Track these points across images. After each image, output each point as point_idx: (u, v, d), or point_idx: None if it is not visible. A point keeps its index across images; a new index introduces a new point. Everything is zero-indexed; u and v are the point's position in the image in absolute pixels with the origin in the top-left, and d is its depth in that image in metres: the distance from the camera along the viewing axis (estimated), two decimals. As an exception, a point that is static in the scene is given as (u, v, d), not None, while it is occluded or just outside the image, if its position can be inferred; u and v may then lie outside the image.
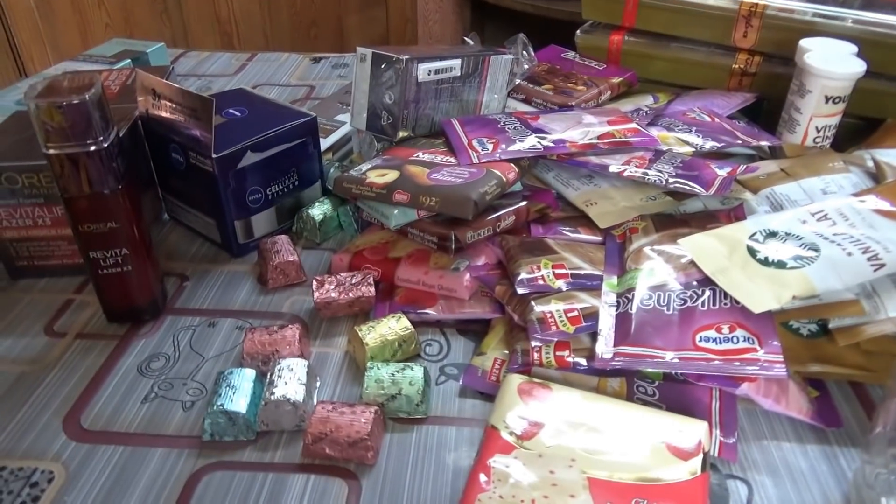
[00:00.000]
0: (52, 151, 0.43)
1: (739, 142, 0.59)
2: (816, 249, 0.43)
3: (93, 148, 0.43)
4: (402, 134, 0.59)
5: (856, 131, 0.65)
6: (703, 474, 0.36)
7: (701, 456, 0.37)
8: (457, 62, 0.61)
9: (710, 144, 0.58)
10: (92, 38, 2.48)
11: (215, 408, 0.41)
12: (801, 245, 0.43)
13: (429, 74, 0.59)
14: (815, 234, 0.44)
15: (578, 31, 0.77)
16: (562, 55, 0.77)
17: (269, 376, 0.43)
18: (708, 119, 0.63)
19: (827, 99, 0.58)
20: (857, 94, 0.60)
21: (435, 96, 0.60)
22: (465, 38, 0.72)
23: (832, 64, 0.57)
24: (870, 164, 0.55)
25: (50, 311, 0.52)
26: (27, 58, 2.60)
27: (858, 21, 0.63)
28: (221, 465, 0.40)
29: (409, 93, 0.58)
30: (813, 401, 0.42)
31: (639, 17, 0.73)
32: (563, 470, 0.37)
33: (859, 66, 0.57)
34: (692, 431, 0.38)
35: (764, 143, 0.61)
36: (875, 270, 0.41)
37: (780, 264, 0.42)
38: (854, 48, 0.60)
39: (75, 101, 0.41)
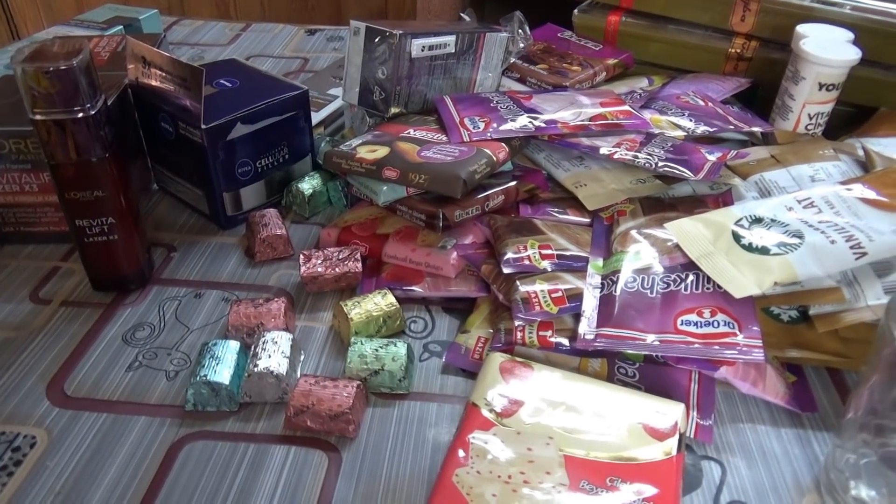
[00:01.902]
0: (38, 117, 0.42)
1: (731, 127, 0.59)
2: (800, 236, 0.43)
3: (80, 115, 0.43)
4: (394, 110, 0.59)
5: (848, 119, 0.65)
6: (678, 455, 0.37)
7: (676, 437, 0.37)
8: (451, 38, 0.60)
9: (701, 129, 0.58)
10: (87, 2, 2.44)
11: (198, 378, 0.41)
12: (785, 232, 0.44)
13: (423, 50, 0.58)
14: (801, 222, 0.44)
15: (576, 11, 0.76)
16: (558, 34, 0.76)
17: (253, 348, 0.43)
18: (701, 103, 0.63)
19: (821, 86, 0.58)
20: (850, 82, 0.60)
21: (428, 72, 0.60)
22: (462, 14, 0.71)
23: (827, 51, 0.57)
24: (860, 152, 0.56)
25: (36, 278, 0.52)
26: (20, 21, 2.57)
27: (856, 8, 0.63)
28: (203, 434, 0.40)
29: (403, 68, 0.57)
30: (790, 385, 0.43)
31: (637, -2, 0.72)
32: (540, 447, 0.37)
33: (854, 54, 0.57)
34: (669, 413, 0.39)
35: (756, 129, 0.61)
36: (857, 259, 0.41)
37: (764, 250, 0.43)
38: (850, 35, 0.60)
39: (62, 67, 0.41)
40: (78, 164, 0.44)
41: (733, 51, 0.69)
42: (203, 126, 0.51)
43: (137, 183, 0.60)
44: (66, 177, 0.45)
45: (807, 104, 0.59)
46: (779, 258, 0.42)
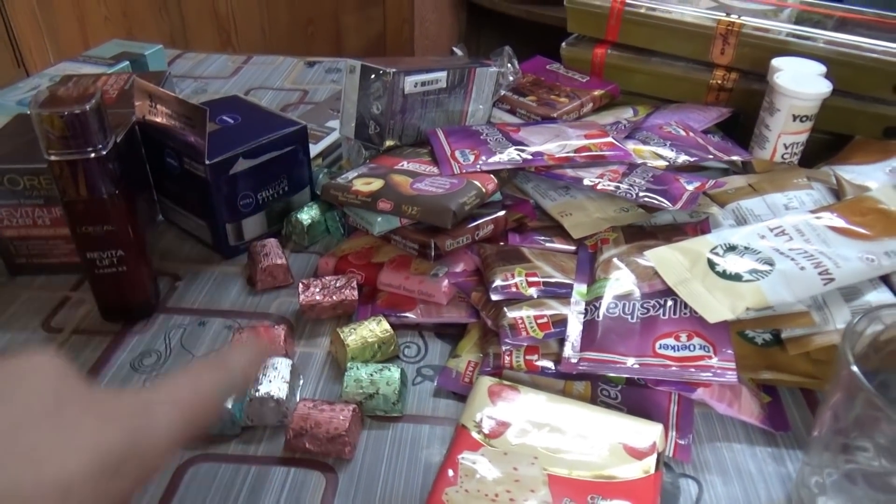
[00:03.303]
0: (53, 158, 0.45)
1: (711, 156, 0.62)
2: (771, 264, 0.45)
3: (91, 155, 0.46)
4: (388, 143, 0.62)
5: (826, 146, 0.68)
6: (657, 473, 0.39)
7: (655, 456, 0.40)
8: (442, 74, 0.63)
9: (682, 158, 0.61)
10: (91, 31, 2.49)
11: (203, 403, 0.43)
12: (757, 259, 0.46)
13: (415, 86, 0.61)
14: (772, 249, 0.47)
15: (564, 44, 0.80)
16: (547, 66, 0.80)
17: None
18: (683, 133, 0.66)
19: (794, 117, 0.61)
20: (825, 111, 0.62)
21: (421, 106, 0.63)
22: (454, 49, 0.74)
23: (799, 84, 0.60)
24: (834, 180, 0.58)
25: (47, 308, 0.54)
26: (26, 49, 2.62)
27: (829, 41, 0.66)
28: (207, 457, 0.42)
29: (396, 104, 0.60)
30: (765, 406, 0.45)
31: (621, 32, 0.75)
32: (525, 467, 0.39)
33: (825, 87, 0.60)
34: (647, 433, 0.41)
35: (735, 158, 0.64)
36: (825, 284, 0.44)
37: (737, 277, 0.45)
38: (822, 68, 0.63)
39: (76, 112, 0.44)
40: (89, 200, 0.47)
41: (714, 82, 0.72)
42: (207, 162, 0.54)
43: (144, 215, 0.63)
44: (78, 212, 0.48)
45: (782, 134, 0.62)
46: (751, 284, 0.44)
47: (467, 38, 2.15)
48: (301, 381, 0.48)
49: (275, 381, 0.44)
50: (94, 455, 0.22)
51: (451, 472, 0.39)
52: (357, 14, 2.34)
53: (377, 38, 2.37)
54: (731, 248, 0.47)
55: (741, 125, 0.73)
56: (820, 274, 0.44)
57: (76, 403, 0.23)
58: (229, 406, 0.43)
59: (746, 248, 0.47)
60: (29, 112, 0.61)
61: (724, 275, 0.46)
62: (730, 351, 0.43)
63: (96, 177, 0.46)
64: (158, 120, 0.57)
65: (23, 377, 0.23)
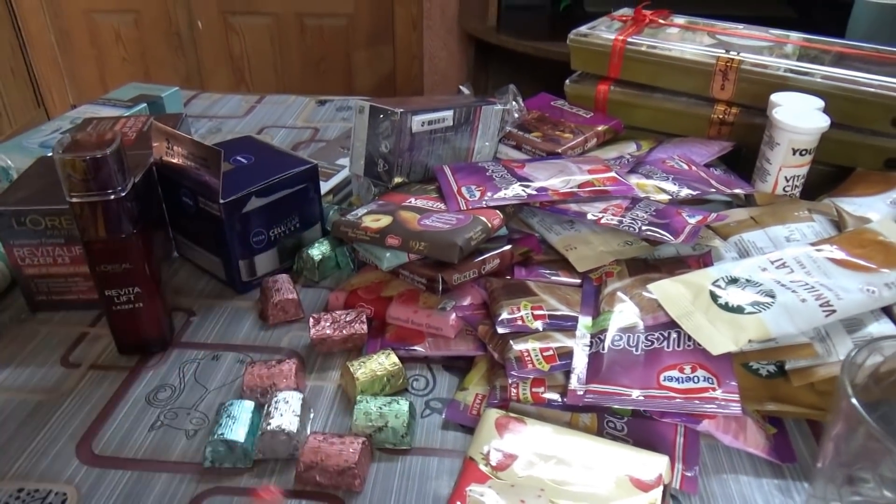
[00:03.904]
0: (74, 200, 0.47)
1: (713, 190, 0.63)
2: (773, 296, 0.46)
3: (111, 197, 0.48)
4: (397, 180, 0.64)
5: (828, 177, 0.69)
6: (662, 505, 0.39)
7: (661, 488, 0.40)
8: (449, 113, 0.65)
9: (685, 192, 0.62)
10: (109, 72, 2.57)
11: (216, 437, 0.44)
12: (759, 291, 0.47)
13: (423, 125, 0.63)
14: (773, 282, 0.48)
15: (567, 81, 0.82)
16: (551, 103, 0.82)
17: (266, 408, 0.46)
18: (685, 167, 0.67)
19: (794, 151, 0.62)
20: (826, 144, 0.64)
21: (429, 144, 0.65)
22: (461, 87, 0.77)
23: (798, 119, 0.61)
24: (835, 212, 0.59)
25: (66, 343, 0.56)
26: (46, 90, 2.69)
27: (826, 77, 0.67)
28: (220, 490, 0.43)
29: (404, 142, 0.62)
30: (770, 437, 0.46)
31: (624, 69, 0.77)
32: (532, 499, 0.40)
33: (823, 122, 0.61)
34: (654, 465, 0.41)
35: (738, 191, 0.65)
36: (827, 316, 0.44)
37: (739, 309, 0.46)
38: (821, 103, 0.64)
39: (97, 156, 0.46)
40: (108, 240, 0.49)
41: (715, 116, 0.74)
42: (221, 201, 0.56)
43: (160, 251, 0.65)
44: (98, 252, 0.49)
45: (783, 167, 0.63)
46: (753, 317, 0.45)
47: (476, 74, 2.19)
48: (312, 415, 0.49)
49: (286, 415, 0.45)
50: None
51: (458, 505, 0.39)
52: (367, 52, 2.39)
53: (387, 75, 2.43)
54: (733, 281, 0.48)
55: (743, 158, 0.74)
56: (821, 306, 0.45)
57: None
58: (241, 440, 0.44)
59: (748, 280, 0.48)
60: (51, 155, 0.63)
61: (726, 307, 0.46)
62: (733, 383, 0.43)
63: (115, 217, 0.48)
64: (175, 161, 0.59)
65: None
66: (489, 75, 2.19)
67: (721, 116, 0.73)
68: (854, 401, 0.33)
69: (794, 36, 0.80)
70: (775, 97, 0.65)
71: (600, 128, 0.75)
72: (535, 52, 1.73)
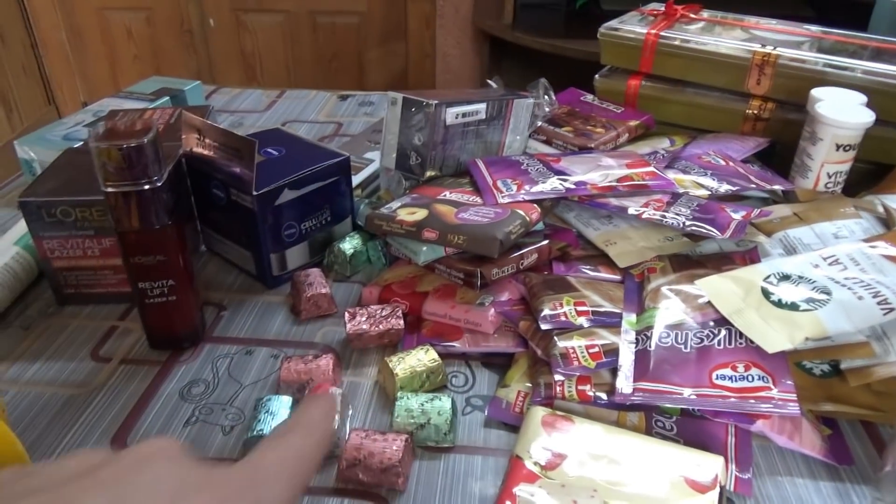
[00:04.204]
0: (109, 190, 0.46)
1: (753, 186, 0.62)
2: (828, 293, 0.45)
3: (147, 187, 0.46)
4: (429, 173, 0.62)
5: (867, 175, 0.68)
6: (720, 507, 0.38)
7: (717, 490, 0.39)
8: (482, 106, 0.64)
9: (724, 188, 0.61)
10: (120, 69, 2.56)
11: (254, 433, 0.43)
12: (813, 288, 0.46)
13: (456, 118, 0.62)
14: (827, 278, 0.46)
15: (597, 76, 0.80)
16: (581, 98, 0.80)
17: (304, 404, 0.45)
18: (722, 163, 0.66)
19: (838, 147, 0.61)
20: (867, 141, 0.62)
21: (461, 137, 0.64)
22: (489, 81, 0.75)
23: (842, 114, 0.60)
24: (880, 209, 0.58)
25: (95, 337, 0.55)
26: (57, 87, 2.69)
27: (867, 72, 0.66)
28: (260, 487, 0.42)
29: (438, 135, 0.61)
30: (825, 438, 0.44)
31: (655, 64, 0.76)
32: (585, 500, 0.38)
33: (868, 116, 0.60)
34: (709, 466, 0.40)
35: (777, 187, 0.63)
36: (885, 314, 0.43)
37: (793, 306, 0.45)
38: (863, 98, 0.63)
39: (134, 145, 0.45)
40: (143, 231, 0.48)
41: (750, 112, 0.72)
42: (255, 192, 0.55)
43: (189, 245, 0.64)
44: (132, 243, 0.48)
45: (825, 163, 0.62)
46: (808, 314, 0.44)
47: (489, 72, 2.18)
48: (350, 411, 0.48)
49: (326, 411, 0.44)
50: None
51: (509, 505, 0.38)
52: (380, 49, 2.38)
53: (400, 73, 2.42)
54: (785, 277, 0.47)
55: (778, 155, 0.72)
56: (879, 303, 0.43)
57: (196, 488, 0.23)
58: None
59: (801, 277, 0.47)
60: (78, 147, 0.62)
61: (779, 304, 0.45)
62: (790, 382, 0.42)
63: (150, 208, 0.47)
64: (206, 152, 0.58)
65: (145, 463, 0.23)
66: (502, 73, 2.18)
67: (756, 112, 0.72)
68: (932, 400, 0.32)
69: (830, 31, 0.79)
70: (816, 92, 0.64)
71: (632, 123, 0.74)
72: (552, 49, 1.72)
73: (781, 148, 0.72)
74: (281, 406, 0.45)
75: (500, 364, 0.52)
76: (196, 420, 0.47)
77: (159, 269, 0.49)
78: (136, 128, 0.47)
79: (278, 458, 0.26)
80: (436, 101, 0.60)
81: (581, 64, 0.80)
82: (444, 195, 0.59)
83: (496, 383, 0.50)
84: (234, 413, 0.47)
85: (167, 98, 0.86)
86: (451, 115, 0.61)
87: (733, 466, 0.42)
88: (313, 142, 0.65)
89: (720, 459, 0.40)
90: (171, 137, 0.65)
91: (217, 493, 0.23)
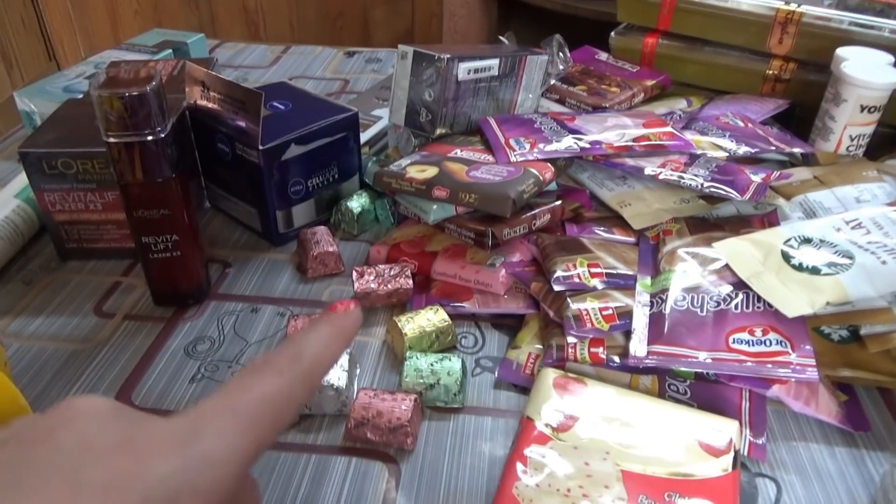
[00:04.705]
0: (111, 140, 0.45)
1: (773, 148, 0.60)
2: (850, 257, 0.44)
3: (150, 138, 0.45)
4: (440, 131, 0.61)
5: (889, 140, 0.66)
6: (734, 471, 0.37)
7: (732, 454, 0.38)
8: (495, 62, 0.62)
9: (743, 150, 0.59)
10: (121, 24, 2.51)
11: (261, 390, 0.42)
12: (835, 252, 0.44)
13: (468, 73, 0.60)
14: (849, 242, 0.45)
15: (613, 33, 0.78)
16: (595, 56, 0.78)
17: (312, 362, 0.44)
18: (741, 124, 0.64)
19: (862, 108, 0.59)
20: (892, 104, 0.60)
21: (473, 94, 0.62)
22: (501, 38, 0.73)
23: (869, 74, 0.58)
24: (903, 173, 0.56)
25: (98, 293, 0.54)
26: (57, 42, 2.64)
27: (895, 31, 0.63)
28: (267, 445, 0.41)
29: (449, 91, 0.59)
30: (842, 404, 0.43)
31: (674, 21, 0.73)
32: (597, 462, 0.38)
33: (896, 77, 0.58)
34: (724, 430, 0.39)
35: (797, 150, 0.62)
36: (908, 279, 0.42)
37: (815, 270, 0.43)
38: (890, 58, 0.61)
39: (136, 93, 0.43)
40: (146, 184, 0.46)
41: (771, 72, 0.70)
42: (261, 147, 0.53)
43: (193, 201, 0.62)
44: (135, 196, 0.47)
45: (848, 126, 0.60)
46: (830, 278, 0.43)
47: (497, 33, 2.13)
48: (358, 370, 0.47)
49: (334, 370, 0.43)
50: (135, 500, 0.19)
51: (520, 466, 0.38)
52: (385, 8, 2.33)
53: (405, 33, 2.37)
54: (807, 241, 0.46)
55: (797, 118, 0.70)
56: (902, 268, 0.42)
57: (111, 449, 0.20)
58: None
59: (822, 240, 0.45)
60: (80, 98, 0.61)
61: (800, 268, 0.44)
62: (809, 347, 0.41)
63: (154, 160, 0.46)
64: (210, 105, 0.56)
65: (59, 427, 0.21)
66: (510, 34, 2.13)
67: (776, 73, 0.70)
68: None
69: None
70: (842, 51, 0.61)
71: (648, 82, 0.71)
72: (563, 8, 1.68)
73: (801, 110, 0.70)
74: (288, 364, 0.44)
75: (510, 325, 0.51)
76: (202, 377, 0.46)
77: (163, 224, 0.48)
78: (139, 76, 0.45)
79: (232, 405, 0.22)
80: (448, 56, 0.58)
81: (593, 24, 0.78)
82: (455, 153, 0.58)
83: (506, 345, 0.49)
84: (240, 370, 0.47)
85: (170, 51, 0.83)
86: (464, 70, 0.59)
87: (747, 431, 0.41)
88: (321, 96, 0.63)
89: (735, 424, 0.40)
90: (174, 90, 0.63)
91: (137, 451, 0.20)
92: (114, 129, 0.44)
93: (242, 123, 0.54)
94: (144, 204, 0.47)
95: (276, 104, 0.60)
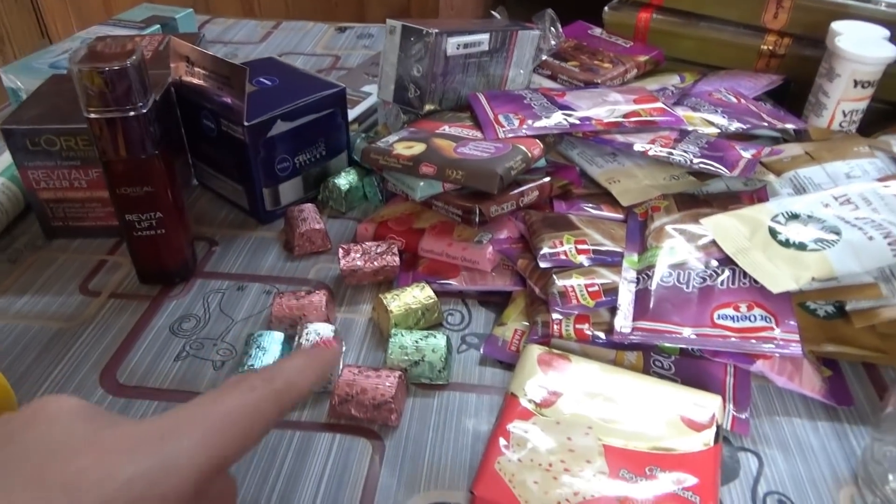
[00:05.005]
0: (92, 116, 0.44)
1: (765, 124, 0.59)
2: (838, 233, 0.43)
3: (132, 113, 0.44)
4: (428, 107, 0.60)
5: (883, 115, 0.65)
6: (716, 446, 0.37)
7: (714, 428, 0.38)
8: (485, 37, 0.61)
9: (735, 126, 0.59)
10: (115, 1, 2.48)
11: (245, 368, 0.42)
12: (822, 228, 0.44)
13: (458, 48, 0.59)
14: (837, 218, 0.45)
15: (606, 8, 0.77)
16: (588, 31, 0.77)
17: (296, 339, 0.44)
18: (734, 100, 0.63)
19: (856, 83, 0.58)
20: (886, 79, 0.60)
21: (462, 70, 0.61)
22: (493, 12, 0.72)
23: (863, 48, 0.57)
24: (895, 149, 0.55)
25: (84, 271, 0.54)
26: (49, 19, 2.61)
27: (891, 4, 0.62)
28: (252, 421, 0.41)
29: (438, 66, 0.58)
30: (825, 380, 0.43)
31: (668, -5, 0.72)
32: (579, 437, 0.38)
33: (891, 52, 0.57)
34: (706, 405, 0.39)
35: (789, 126, 0.61)
36: (895, 255, 0.42)
37: (801, 246, 0.43)
38: (886, 32, 0.60)
39: (117, 68, 0.42)
40: (129, 160, 0.46)
41: (765, 47, 0.69)
42: (246, 123, 0.53)
43: (179, 179, 0.62)
44: (118, 173, 0.46)
45: (842, 101, 0.59)
46: (816, 254, 0.42)
47: (493, 8, 2.10)
48: (343, 348, 0.47)
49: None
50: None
51: (502, 441, 0.38)
52: (381, -16, 2.29)
53: (401, 9, 2.33)
54: (794, 217, 0.45)
55: (792, 94, 0.70)
56: (890, 244, 0.42)
57: (75, 450, 0.21)
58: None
59: (810, 216, 0.45)
60: (65, 72, 0.60)
61: (786, 244, 0.44)
62: (793, 322, 0.41)
63: (136, 136, 0.45)
64: (195, 81, 0.56)
65: (25, 428, 0.21)
66: (507, 10, 2.11)
67: (771, 48, 0.69)
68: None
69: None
70: (836, 25, 0.60)
71: (641, 58, 0.71)
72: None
73: (795, 86, 0.69)
74: (272, 342, 0.44)
75: (497, 303, 0.51)
76: (187, 355, 0.46)
77: (146, 201, 0.48)
78: (119, 51, 0.44)
79: (201, 414, 0.23)
80: (436, 31, 0.57)
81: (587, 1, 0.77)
82: (444, 129, 0.57)
83: (492, 322, 0.49)
84: (225, 348, 0.47)
85: (158, 26, 0.82)
86: (453, 45, 0.58)
87: (731, 406, 0.41)
88: (308, 72, 0.62)
89: (718, 399, 0.40)
90: (159, 65, 0.62)
91: (103, 452, 0.21)
92: (94, 104, 0.44)
93: (228, 99, 0.54)
94: (127, 181, 0.47)
95: (262, 80, 0.59)
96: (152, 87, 0.46)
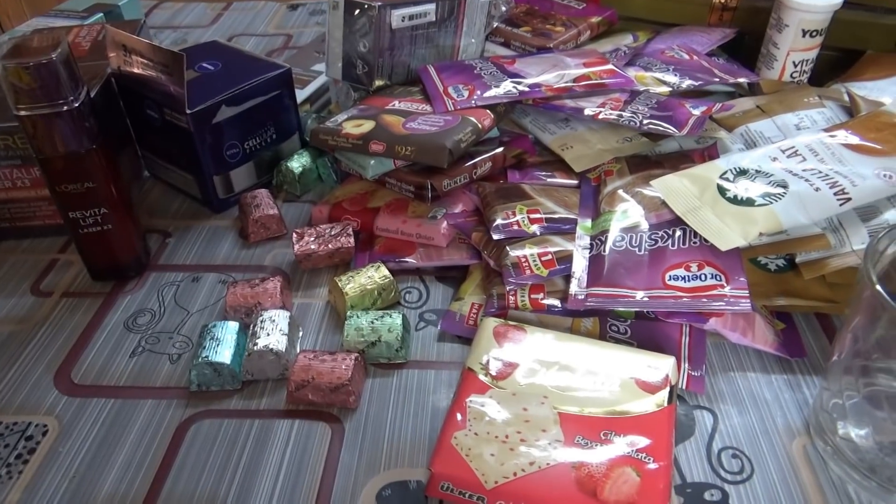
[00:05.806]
0: (23, 113, 0.43)
1: (717, 79, 0.59)
2: (785, 186, 0.43)
3: (64, 108, 0.43)
4: (378, 83, 0.59)
5: (835, 63, 0.65)
6: (670, 406, 0.38)
7: (668, 389, 0.38)
8: (431, 7, 0.60)
9: (686, 83, 0.58)
10: (67, -10, 2.41)
11: (200, 360, 0.42)
12: (769, 182, 0.44)
13: (403, 21, 0.58)
14: (785, 171, 0.45)
15: (557, -30, 0.75)
16: (541, -5, 0.76)
17: (252, 328, 0.44)
18: (686, 57, 0.63)
19: (804, 33, 0.58)
20: (835, 26, 0.59)
21: (410, 42, 0.60)
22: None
23: (809, -3, 0.56)
24: (846, 97, 0.55)
25: (35, 272, 0.53)
26: (3, 12, 2.53)
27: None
28: (209, 413, 0.41)
29: (384, 40, 0.57)
30: (779, 333, 0.44)
31: (618, -47, 0.71)
32: (535, 407, 0.38)
33: (837, -1, 0.56)
34: (659, 367, 0.39)
35: (742, 80, 0.61)
36: (841, 205, 0.42)
37: (749, 202, 0.43)
38: (833, -21, 0.59)
39: (42, 61, 0.41)
40: (66, 156, 0.45)
41: (717, 1, 0.68)
42: (188, 111, 0.51)
43: (128, 171, 0.61)
44: (56, 170, 0.45)
45: (791, 52, 0.59)
46: (763, 209, 0.42)
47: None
48: (301, 333, 0.47)
49: (273, 334, 0.43)
50: None
51: (459, 416, 0.38)
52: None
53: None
54: (742, 173, 0.45)
55: (746, 46, 0.69)
56: (836, 194, 0.42)
57: None
58: (227, 362, 0.42)
59: (758, 171, 0.45)
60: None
61: (735, 200, 0.44)
62: (743, 279, 0.41)
63: (71, 131, 0.44)
64: (135, 70, 0.54)
65: None
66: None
67: (723, 1, 0.68)
68: (879, 288, 0.31)
69: None
70: (784, -26, 0.60)
71: (594, 19, 0.70)
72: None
73: (749, 39, 0.69)
74: (227, 332, 0.44)
75: (454, 278, 0.50)
76: (142, 350, 0.46)
77: (89, 197, 0.47)
78: (45, 44, 0.43)
79: None
80: (379, 3, 0.56)
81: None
82: (393, 105, 0.56)
83: (450, 297, 0.49)
84: (181, 341, 0.46)
85: (101, 14, 0.80)
86: (397, 17, 0.57)
87: (686, 365, 0.42)
88: (253, 54, 0.60)
89: (671, 359, 0.40)
90: (98, 56, 0.60)
91: None
92: (24, 101, 0.43)
93: (169, 87, 0.52)
94: (67, 178, 0.46)
95: (205, 65, 0.58)
96: (85, 79, 0.45)
